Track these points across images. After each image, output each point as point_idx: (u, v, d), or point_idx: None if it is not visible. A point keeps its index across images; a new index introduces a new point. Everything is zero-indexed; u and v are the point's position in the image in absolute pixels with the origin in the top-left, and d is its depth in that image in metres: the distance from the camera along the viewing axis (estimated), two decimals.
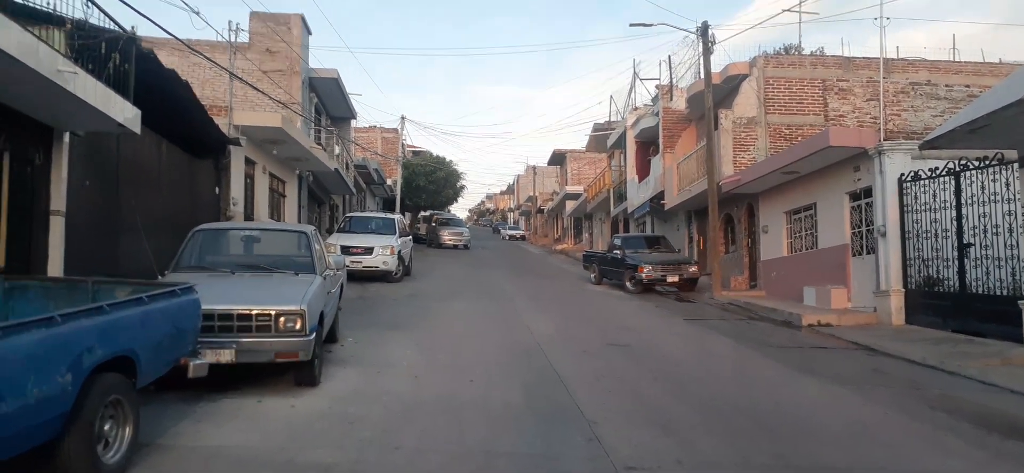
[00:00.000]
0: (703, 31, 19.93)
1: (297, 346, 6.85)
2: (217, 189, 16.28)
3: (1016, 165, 10.26)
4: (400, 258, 19.27)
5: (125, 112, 8.60)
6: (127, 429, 4.68)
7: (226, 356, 6.64)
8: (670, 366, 9.71)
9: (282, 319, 6.83)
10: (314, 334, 7.08)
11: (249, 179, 18.76)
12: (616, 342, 11.42)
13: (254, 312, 6.79)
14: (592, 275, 23.31)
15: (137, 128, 9.09)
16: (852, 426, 6.86)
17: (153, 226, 12.03)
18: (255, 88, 18.73)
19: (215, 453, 5.20)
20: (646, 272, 19.60)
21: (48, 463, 4.22)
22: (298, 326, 6.86)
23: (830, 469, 5.45)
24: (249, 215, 18.48)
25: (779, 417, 7.08)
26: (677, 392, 8.00)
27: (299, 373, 7.27)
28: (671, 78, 27.86)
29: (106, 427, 4.49)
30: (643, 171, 29.71)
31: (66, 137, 9.14)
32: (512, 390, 7.73)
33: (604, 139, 37.98)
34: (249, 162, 18.54)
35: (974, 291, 11.83)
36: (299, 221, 22.92)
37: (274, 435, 5.72)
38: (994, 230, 11.31)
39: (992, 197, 11.35)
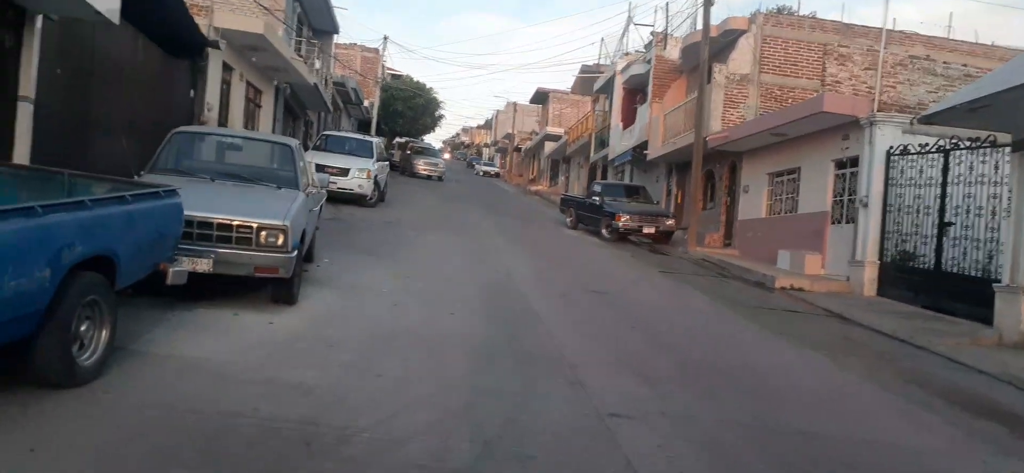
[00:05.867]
0: None
1: (278, 262, 6.65)
2: (192, 92, 15.71)
3: (1008, 149, 10.27)
4: (376, 183, 18.93)
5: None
6: (104, 332, 4.48)
7: (203, 266, 6.41)
8: (647, 316, 9.71)
9: (264, 233, 6.61)
10: (296, 251, 6.88)
11: (225, 85, 18.14)
12: (593, 288, 11.39)
13: (235, 223, 6.55)
14: (568, 219, 23.22)
15: (116, 18, 8.61)
16: (828, 392, 6.92)
17: (126, 124, 11.58)
18: None
19: (191, 364, 5.03)
20: (623, 221, 19.53)
21: (22, 363, 4.04)
22: (280, 241, 6.65)
23: (810, 434, 5.46)
24: (223, 122, 17.92)
25: (755, 377, 7.11)
26: (654, 343, 8.00)
27: (277, 290, 7.08)
28: (667, 25, 27.51)
29: (83, 328, 4.28)
30: (628, 119, 29.47)
31: (39, 21, 8.62)
32: (492, 327, 7.64)
33: (591, 82, 37.54)
34: (227, 68, 17.91)
35: (949, 270, 11.97)
36: (273, 133, 22.36)
37: (251, 351, 5.56)
38: (977, 211, 11.39)
39: (979, 178, 11.40)
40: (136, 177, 7.67)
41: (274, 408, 4.42)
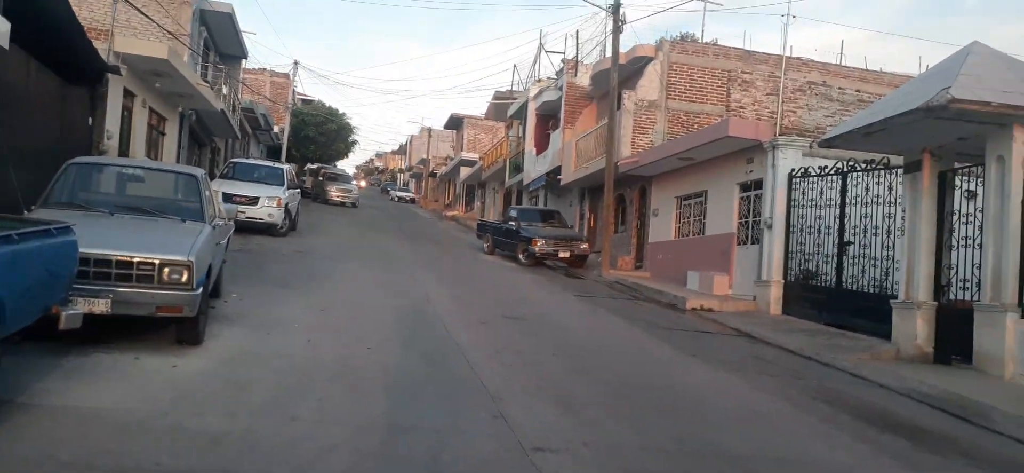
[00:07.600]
0: (615, 9, 20.06)
1: (182, 300, 6.29)
2: (90, 120, 14.91)
3: (901, 170, 10.88)
4: (287, 211, 18.38)
5: None
6: None
7: (100, 307, 6.00)
8: (566, 341, 9.74)
9: (166, 270, 6.24)
10: (201, 289, 6.54)
11: (127, 112, 17.32)
12: (513, 314, 11.37)
13: (135, 260, 6.17)
14: (485, 245, 23.22)
15: (6, 42, 8.10)
16: (744, 412, 7.07)
17: (17, 156, 10.84)
18: (142, 13, 17.27)
19: (91, 415, 4.68)
20: (539, 245, 19.68)
21: None
22: (184, 279, 6.30)
23: (731, 456, 5.55)
24: (124, 151, 17.09)
25: (674, 399, 7.22)
26: (575, 368, 8.01)
27: (181, 330, 6.71)
28: (577, 53, 28.03)
29: None
30: (541, 144, 29.80)
31: None
32: (412, 360, 7.48)
33: (504, 108, 37.84)
34: (128, 94, 17.11)
35: (849, 288, 12.54)
36: (178, 162, 21.47)
37: (156, 398, 5.23)
38: (873, 231, 11.99)
39: (875, 199, 12.02)
40: (27, 212, 7.17)
41: (179, 461, 4.15)
